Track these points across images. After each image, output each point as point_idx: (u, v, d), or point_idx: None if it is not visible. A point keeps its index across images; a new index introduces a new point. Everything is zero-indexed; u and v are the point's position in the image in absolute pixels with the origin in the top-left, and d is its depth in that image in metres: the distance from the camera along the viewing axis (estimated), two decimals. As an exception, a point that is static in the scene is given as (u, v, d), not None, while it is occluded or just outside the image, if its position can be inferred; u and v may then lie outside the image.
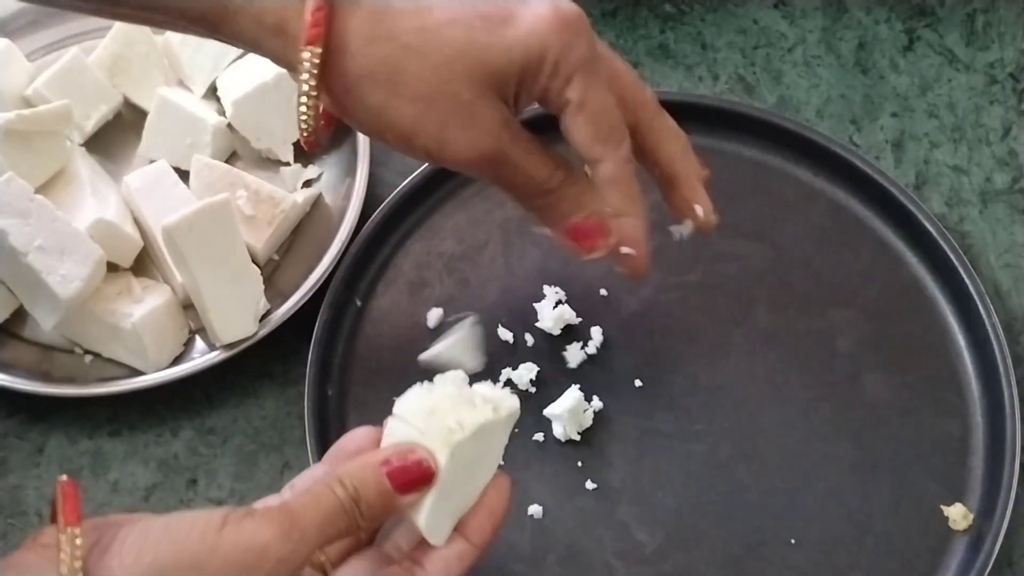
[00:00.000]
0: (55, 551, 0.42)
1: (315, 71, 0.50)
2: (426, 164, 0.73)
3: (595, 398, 0.67)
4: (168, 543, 0.43)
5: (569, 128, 0.52)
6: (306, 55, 0.49)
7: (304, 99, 0.51)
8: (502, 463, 0.51)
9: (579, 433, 0.66)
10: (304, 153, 0.74)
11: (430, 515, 0.48)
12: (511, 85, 0.51)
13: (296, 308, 0.68)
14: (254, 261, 0.68)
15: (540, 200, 0.54)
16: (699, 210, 0.57)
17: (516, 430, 0.66)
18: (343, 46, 0.50)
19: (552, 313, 0.68)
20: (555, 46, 0.50)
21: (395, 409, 0.49)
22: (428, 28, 0.50)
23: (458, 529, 0.49)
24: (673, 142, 0.57)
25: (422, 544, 0.49)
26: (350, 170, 0.72)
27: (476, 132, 0.51)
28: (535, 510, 0.64)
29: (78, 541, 0.43)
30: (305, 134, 0.52)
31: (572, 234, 0.54)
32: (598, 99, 0.52)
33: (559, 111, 0.53)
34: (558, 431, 0.66)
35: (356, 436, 0.52)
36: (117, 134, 0.75)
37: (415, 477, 0.47)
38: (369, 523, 0.47)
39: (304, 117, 0.52)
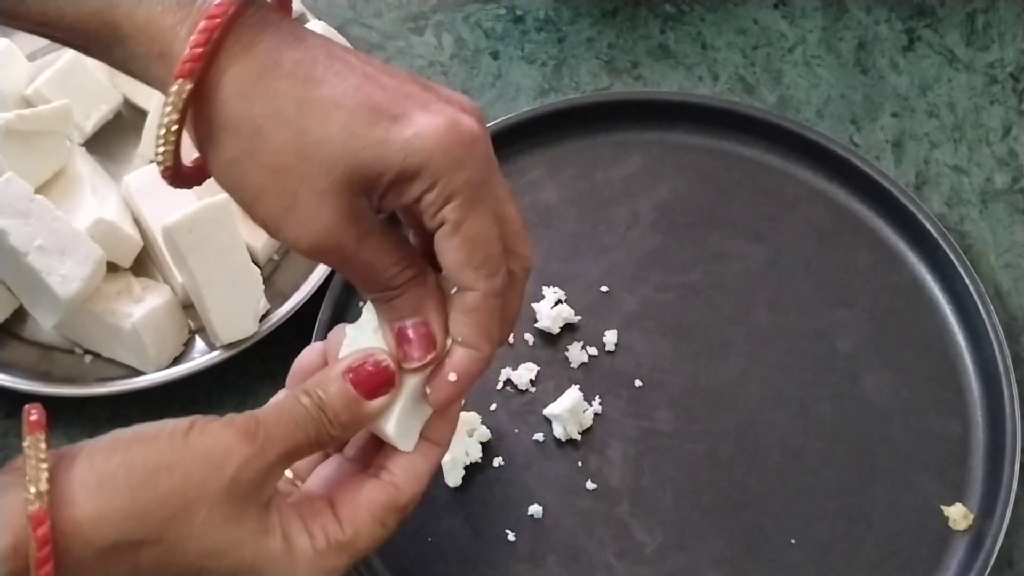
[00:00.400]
0: (22, 466, 0.43)
1: (179, 105, 0.45)
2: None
3: (595, 398, 0.67)
4: (137, 445, 0.45)
5: (440, 249, 0.47)
6: (174, 88, 0.45)
7: (163, 130, 0.46)
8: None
9: (579, 433, 0.66)
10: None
11: (398, 422, 0.48)
12: (378, 187, 0.47)
13: (296, 308, 0.68)
14: (254, 261, 0.68)
15: (380, 294, 0.49)
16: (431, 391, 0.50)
17: (516, 430, 0.66)
18: (215, 89, 0.46)
19: (551, 312, 0.68)
20: (439, 160, 0.46)
21: (350, 325, 0.50)
22: (309, 103, 0.46)
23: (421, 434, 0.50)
24: (514, 308, 0.52)
25: (385, 448, 0.50)
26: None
27: (317, 224, 0.46)
28: (535, 510, 0.64)
29: (42, 445, 0.44)
30: (161, 167, 0.47)
31: (399, 337, 0.49)
32: (477, 225, 0.47)
33: (431, 229, 0.47)
34: (558, 431, 0.66)
35: (311, 354, 0.52)
36: (117, 134, 0.75)
37: (379, 381, 0.48)
38: (339, 432, 0.48)
39: (161, 150, 0.47)
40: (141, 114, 0.74)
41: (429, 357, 0.48)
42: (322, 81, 0.46)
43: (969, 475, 0.65)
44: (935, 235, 0.70)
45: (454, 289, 0.49)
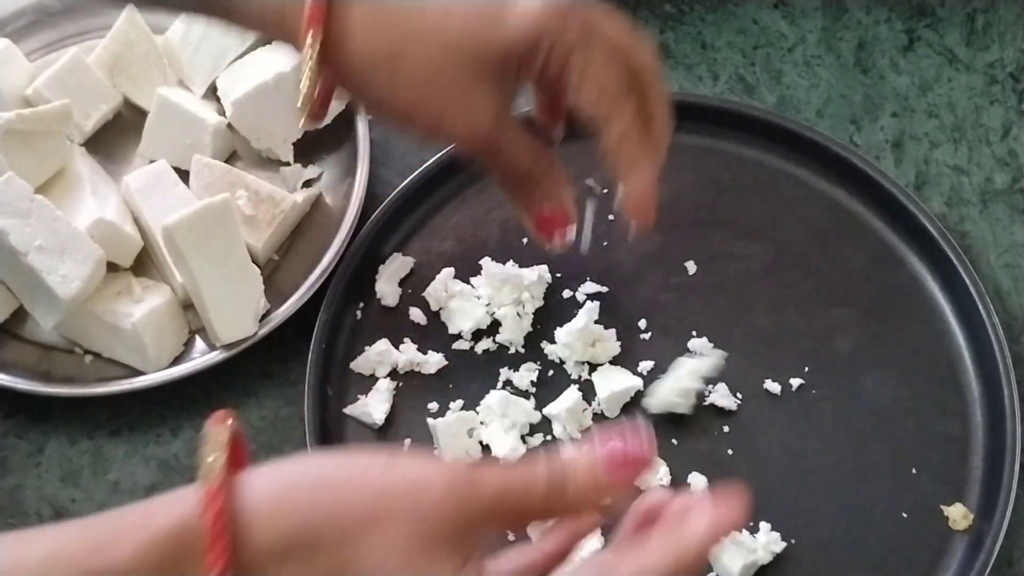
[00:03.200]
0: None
1: (316, 55, 0.53)
2: (426, 164, 0.73)
3: (595, 398, 0.67)
4: (332, 457, 0.42)
5: (575, 99, 0.55)
6: (308, 41, 0.53)
7: (307, 79, 0.54)
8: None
9: (579, 433, 0.66)
10: (304, 153, 0.74)
11: None
12: (509, 69, 0.54)
13: (296, 308, 0.68)
14: (254, 261, 0.68)
15: (521, 184, 0.57)
16: (633, 223, 0.59)
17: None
18: (344, 33, 0.53)
19: (552, 313, 0.69)
20: (548, 31, 0.53)
21: None
22: (427, 18, 0.53)
23: None
24: (662, 109, 0.58)
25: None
26: (350, 170, 0.72)
27: (472, 116, 0.54)
28: (535, 510, 0.64)
29: (224, 437, 0.42)
30: (307, 108, 0.55)
31: (540, 222, 0.58)
32: (598, 68, 0.54)
33: (563, 91, 0.55)
34: (558, 431, 0.66)
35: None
36: (117, 134, 0.75)
37: (632, 462, 0.43)
38: (572, 506, 0.42)
39: (305, 92, 0.54)
40: (141, 114, 0.74)
41: (568, 231, 0.58)
42: (426, 4, 0.53)
43: (969, 475, 0.65)
44: (935, 235, 0.70)
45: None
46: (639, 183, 0.57)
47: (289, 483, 0.41)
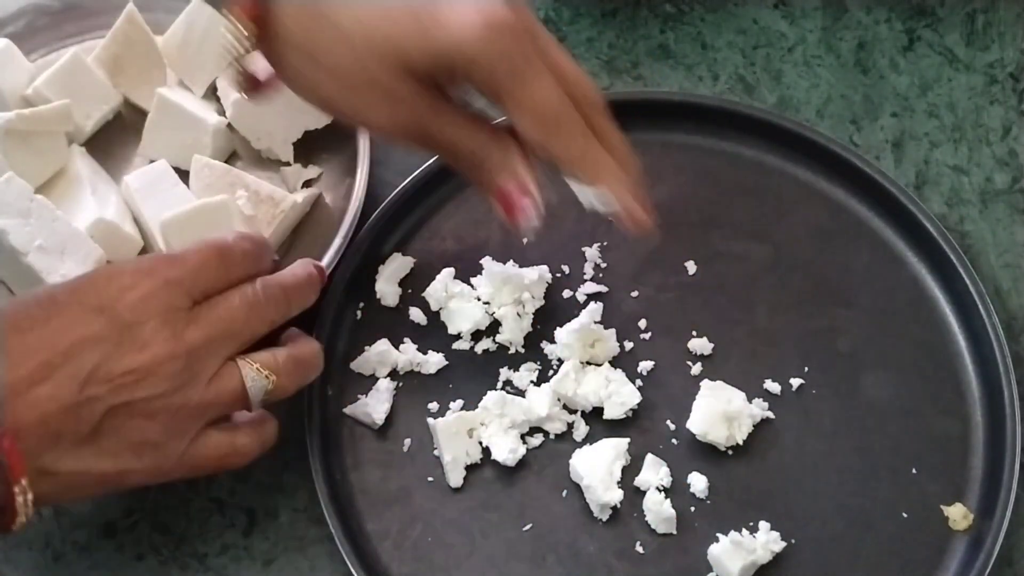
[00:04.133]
0: None
1: (249, 36, 0.55)
2: (426, 164, 0.73)
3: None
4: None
5: (518, 130, 0.54)
6: (240, 24, 0.54)
7: (232, 46, 0.56)
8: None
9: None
10: (304, 153, 0.74)
11: None
12: (435, 78, 0.54)
13: (296, 308, 0.68)
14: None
15: (472, 168, 0.57)
16: (624, 214, 0.59)
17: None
18: (276, 19, 0.54)
19: (552, 313, 0.69)
20: (480, 52, 0.52)
21: None
22: (358, 18, 0.53)
23: None
24: (615, 140, 0.58)
25: None
26: (350, 170, 0.72)
27: (393, 109, 0.54)
28: (535, 510, 0.64)
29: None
30: (237, 81, 0.58)
31: (500, 200, 0.57)
32: (538, 94, 0.53)
33: (505, 114, 0.55)
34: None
35: None
36: (117, 134, 0.75)
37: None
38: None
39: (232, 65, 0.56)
40: (141, 114, 0.74)
41: (528, 204, 0.55)
42: (361, 4, 0.53)
43: (969, 475, 0.65)
44: (935, 235, 0.70)
45: None
46: (610, 198, 0.57)
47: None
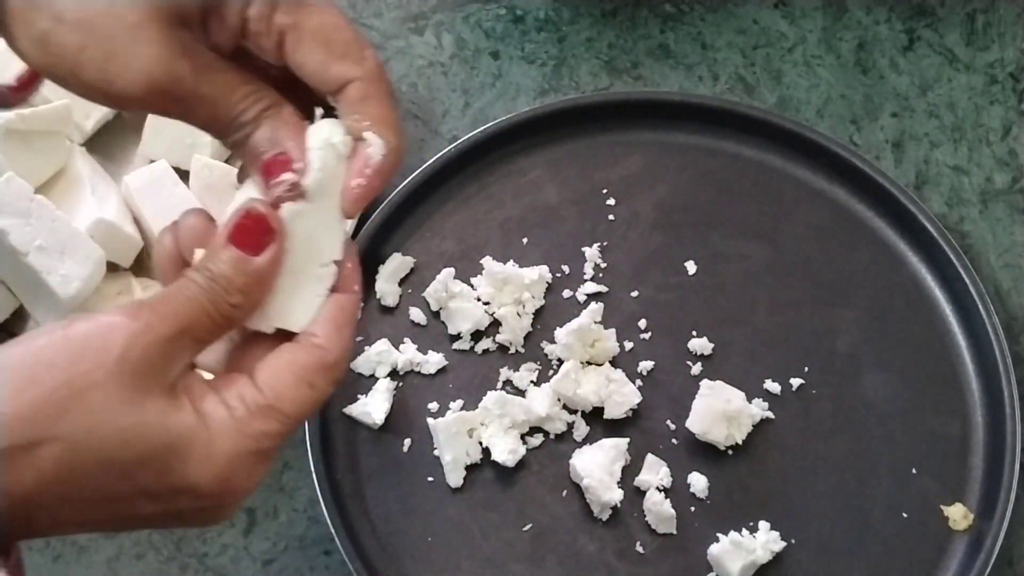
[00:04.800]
0: None
1: None
2: (426, 164, 0.72)
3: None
4: (12, 348, 0.41)
5: (297, 61, 0.46)
6: None
7: None
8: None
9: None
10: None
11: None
12: (193, 15, 0.46)
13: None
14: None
15: (236, 135, 0.47)
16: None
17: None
18: None
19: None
20: None
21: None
22: None
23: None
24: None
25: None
26: (350, 170, 0.72)
27: (145, 60, 0.45)
28: (535, 510, 0.64)
29: None
30: None
31: (264, 170, 0.46)
32: (318, 17, 0.46)
33: (275, 46, 0.46)
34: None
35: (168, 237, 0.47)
36: (117, 134, 0.75)
37: (259, 231, 0.44)
38: (238, 299, 0.44)
39: None
40: (141, 114, 0.74)
41: (289, 176, 0.45)
42: None
43: (969, 475, 0.65)
44: (935, 235, 0.70)
45: (319, 112, 0.46)
46: (373, 159, 0.46)
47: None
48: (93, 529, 0.46)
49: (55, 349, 0.41)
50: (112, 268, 0.68)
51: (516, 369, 0.68)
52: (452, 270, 0.70)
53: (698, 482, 0.65)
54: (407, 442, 0.66)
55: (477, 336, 0.69)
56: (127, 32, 0.44)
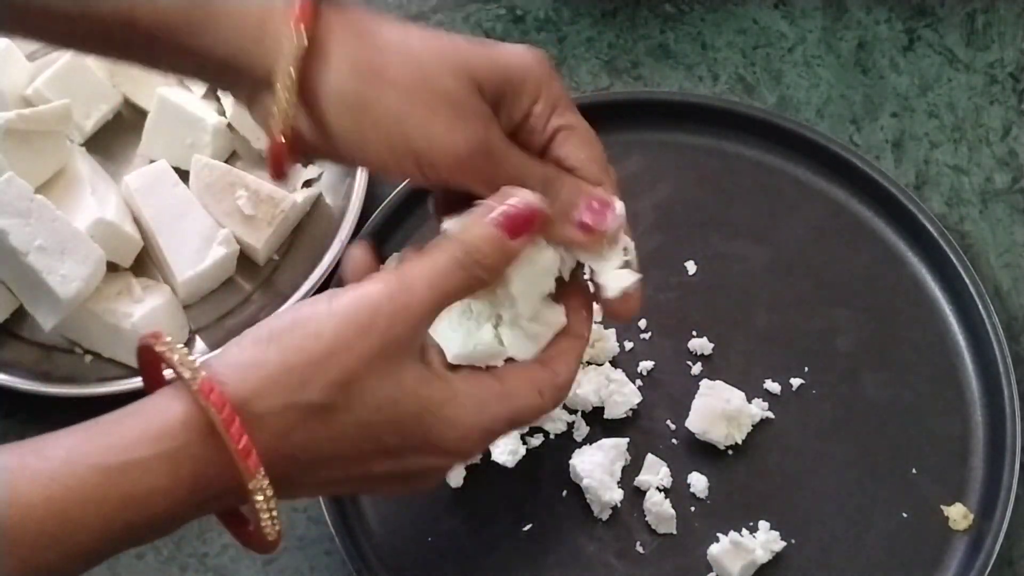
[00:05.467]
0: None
1: (296, 65, 0.47)
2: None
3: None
4: (282, 315, 0.47)
5: (566, 153, 0.52)
6: (288, 46, 0.47)
7: (283, 92, 0.48)
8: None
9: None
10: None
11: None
12: (494, 95, 0.50)
13: (296, 308, 0.68)
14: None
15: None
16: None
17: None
18: (326, 42, 0.48)
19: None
20: (537, 73, 0.51)
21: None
22: (410, 35, 0.50)
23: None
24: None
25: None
26: (350, 170, 0.72)
27: (466, 123, 0.49)
28: (535, 510, 0.64)
29: (184, 350, 0.45)
30: (274, 140, 0.49)
31: (587, 216, 0.52)
32: (585, 127, 0.53)
33: (546, 141, 0.52)
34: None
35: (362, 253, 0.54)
36: (117, 134, 0.75)
37: (524, 219, 0.49)
38: (488, 275, 0.49)
39: (279, 116, 0.48)
40: (141, 114, 0.74)
41: (613, 218, 0.52)
42: (412, 26, 0.51)
43: (969, 475, 0.65)
44: (935, 235, 0.70)
45: None
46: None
47: (261, 363, 0.45)
48: (317, 492, 0.55)
49: (324, 318, 0.46)
50: (112, 268, 0.68)
51: (516, 369, 0.68)
52: None
53: (698, 482, 0.65)
54: (407, 442, 0.66)
55: (477, 336, 0.69)
56: (449, 97, 0.49)
